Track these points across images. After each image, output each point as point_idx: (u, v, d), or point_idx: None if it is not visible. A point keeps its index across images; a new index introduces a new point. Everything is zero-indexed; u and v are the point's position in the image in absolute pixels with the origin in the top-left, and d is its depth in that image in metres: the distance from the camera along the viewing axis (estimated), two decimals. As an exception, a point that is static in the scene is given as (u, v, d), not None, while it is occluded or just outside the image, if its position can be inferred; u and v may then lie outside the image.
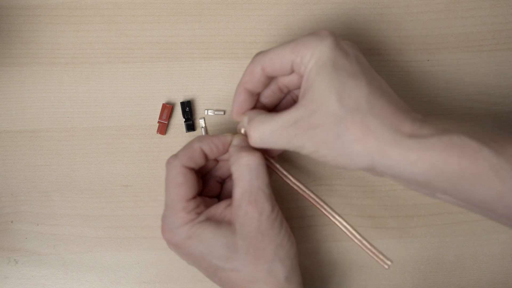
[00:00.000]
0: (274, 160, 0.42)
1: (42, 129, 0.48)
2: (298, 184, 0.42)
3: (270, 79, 0.41)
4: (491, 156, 0.33)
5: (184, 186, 0.40)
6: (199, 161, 0.41)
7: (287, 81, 0.41)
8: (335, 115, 0.35)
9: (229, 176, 0.44)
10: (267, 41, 0.49)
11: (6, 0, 0.48)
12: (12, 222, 0.47)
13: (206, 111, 0.48)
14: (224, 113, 0.48)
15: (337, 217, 0.41)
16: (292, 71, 0.39)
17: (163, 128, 0.48)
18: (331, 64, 0.36)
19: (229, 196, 0.42)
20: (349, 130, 0.35)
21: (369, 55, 0.49)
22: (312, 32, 0.39)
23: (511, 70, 0.49)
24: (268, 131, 0.38)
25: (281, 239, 0.39)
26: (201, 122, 0.48)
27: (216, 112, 0.48)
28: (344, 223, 0.41)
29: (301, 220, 0.48)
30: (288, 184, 0.42)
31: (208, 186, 0.44)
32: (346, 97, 0.35)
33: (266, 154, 0.42)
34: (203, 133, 0.48)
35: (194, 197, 0.40)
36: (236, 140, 0.41)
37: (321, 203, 0.42)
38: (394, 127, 0.35)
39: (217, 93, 0.48)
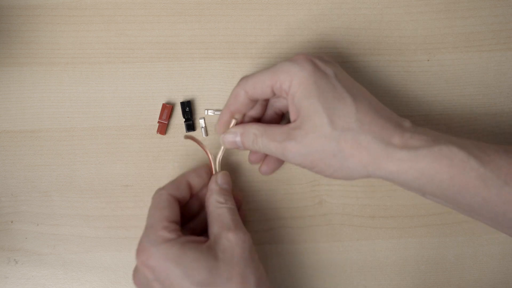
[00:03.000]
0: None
1: (42, 129, 0.48)
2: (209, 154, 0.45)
3: (254, 102, 0.43)
4: (478, 166, 0.36)
5: (168, 209, 0.40)
6: (184, 193, 0.42)
7: (280, 105, 0.44)
8: (327, 137, 0.38)
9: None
10: (267, 41, 0.49)
11: (6, 0, 0.48)
12: (12, 222, 0.47)
13: (206, 111, 0.48)
14: (224, 113, 0.48)
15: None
16: (274, 94, 0.41)
17: (163, 128, 0.48)
18: (315, 88, 0.38)
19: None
20: (342, 149, 0.38)
21: (369, 55, 0.49)
22: (289, 58, 0.41)
23: (511, 70, 0.49)
24: (264, 141, 0.41)
25: (261, 272, 0.39)
26: (201, 122, 0.48)
27: (216, 112, 0.48)
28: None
29: (301, 220, 0.48)
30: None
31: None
32: (335, 119, 0.38)
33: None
34: (203, 133, 0.48)
35: (176, 222, 0.40)
36: (220, 178, 0.43)
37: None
38: (385, 140, 0.37)
39: (217, 93, 0.48)
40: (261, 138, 0.41)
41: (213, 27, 0.49)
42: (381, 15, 0.49)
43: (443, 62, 0.49)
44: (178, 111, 0.48)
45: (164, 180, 0.44)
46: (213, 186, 0.43)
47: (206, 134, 0.48)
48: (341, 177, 0.39)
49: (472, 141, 0.38)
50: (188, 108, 0.47)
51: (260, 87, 0.41)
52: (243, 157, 0.48)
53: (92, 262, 0.47)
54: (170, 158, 0.48)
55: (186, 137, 0.45)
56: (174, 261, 0.37)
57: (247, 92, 0.41)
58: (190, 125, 0.48)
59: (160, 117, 0.48)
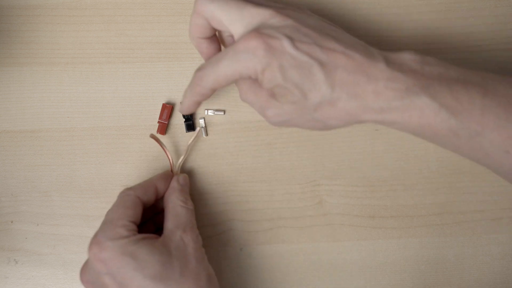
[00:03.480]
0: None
1: (42, 129, 0.48)
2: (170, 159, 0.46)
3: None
4: (448, 117, 0.36)
5: (132, 210, 0.41)
6: (150, 197, 0.43)
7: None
8: (304, 108, 0.38)
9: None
10: (267, 41, 0.49)
11: (6, 0, 0.48)
12: (12, 222, 0.47)
13: (206, 111, 0.48)
14: (224, 113, 0.48)
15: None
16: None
17: (163, 128, 0.48)
18: (278, 71, 0.37)
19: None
20: (321, 114, 0.38)
21: (369, 55, 0.49)
22: (242, 42, 0.38)
23: (511, 70, 0.49)
24: (248, 96, 0.41)
25: (211, 271, 0.41)
26: (201, 122, 0.48)
27: (216, 112, 0.48)
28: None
29: (301, 220, 0.48)
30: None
31: None
32: (307, 92, 0.37)
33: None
34: (203, 133, 0.48)
35: (136, 223, 0.41)
36: (181, 179, 0.45)
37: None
38: (359, 96, 0.37)
39: (217, 93, 0.48)
40: (248, 93, 0.40)
41: (213, 27, 0.49)
42: (381, 15, 0.49)
43: (443, 62, 0.49)
44: (178, 111, 0.48)
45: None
46: (175, 185, 0.44)
47: (206, 134, 0.48)
48: (324, 130, 0.41)
49: (450, 84, 0.37)
50: (188, 108, 0.47)
51: (228, 83, 0.40)
52: (244, 159, 0.48)
53: (92, 262, 0.47)
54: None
55: (151, 136, 0.46)
56: (128, 254, 0.37)
57: (212, 89, 0.40)
58: (190, 125, 0.48)
59: (160, 117, 0.48)
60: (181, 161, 0.46)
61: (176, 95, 0.48)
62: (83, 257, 0.47)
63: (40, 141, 0.48)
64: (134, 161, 0.48)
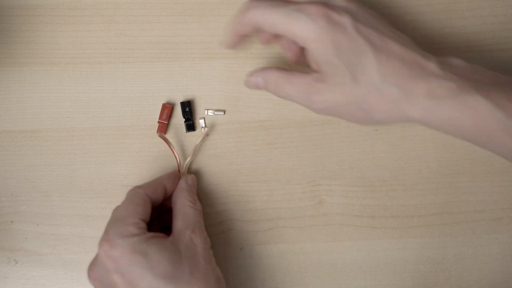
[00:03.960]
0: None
1: (42, 129, 0.48)
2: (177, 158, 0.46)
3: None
4: (503, 118, 0.35)
5: (142, 207, 0.41)
6: (159, 196, 0.43)
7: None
8: (352, 93, 0.37)
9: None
10: (267, 41, 0.49)
11: (6, 0, 0.48)
12: (12, 222, 0.47)
13: (206, 111, 0.48)
14: (224, 113, 0.48)
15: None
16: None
17: (163, 128, 0.48)
18: (332, 46, 0.37)
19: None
20: (368, 103, 0.37)
21: (369, 55, 0.49)
22: (303, 7, 0.38)
23: (511, 70, 0.49)
24: (288, 89, 0.40)
25: (219, 273, 0.40)
26: (201, 122, 0.48)
27: (216, 112, 0.48)
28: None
29: (301, 220, 0.48)
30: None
31: None
32: (358, 75, 0.37)
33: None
34: (204, 133, 0.48)
35: (146, 221, 0.40)
36: (190, 180, 0.45)
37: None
38: (410, 90, 0.36)
39: (217, 93, 0.48)
40: (286, 86, 0.40)
41: (213, 27, 0.49)
42: (381, 15, 0.49)
43: (443, 62, 0.49)
44: (178, 111, 0.48)
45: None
46: (183, 185, 0.44)
47: (206, 134, 0.48)
48: (367, 125, 0.41)
49: (502, 86, 0.37)
50: (188, 108, 0.47)
51: (270, 29, 0.39)
52: (244, 159, 0.48)
53: (92, 262, 0.47)
54: (170, 158, 0.48)
55: (159, 135, 0.46)
56: (139, 253, 0.37)
57: (253, 26, 0.40)
58: (190, 125, 0.48)
59: (160, 117, 0.48)
60: (189, 161, 0.46)
61: (176, 95, 0.48)
62: (83, 257, 0.47)
63: (40, 141, 0.48)
64: (134, 161, 0.48)
